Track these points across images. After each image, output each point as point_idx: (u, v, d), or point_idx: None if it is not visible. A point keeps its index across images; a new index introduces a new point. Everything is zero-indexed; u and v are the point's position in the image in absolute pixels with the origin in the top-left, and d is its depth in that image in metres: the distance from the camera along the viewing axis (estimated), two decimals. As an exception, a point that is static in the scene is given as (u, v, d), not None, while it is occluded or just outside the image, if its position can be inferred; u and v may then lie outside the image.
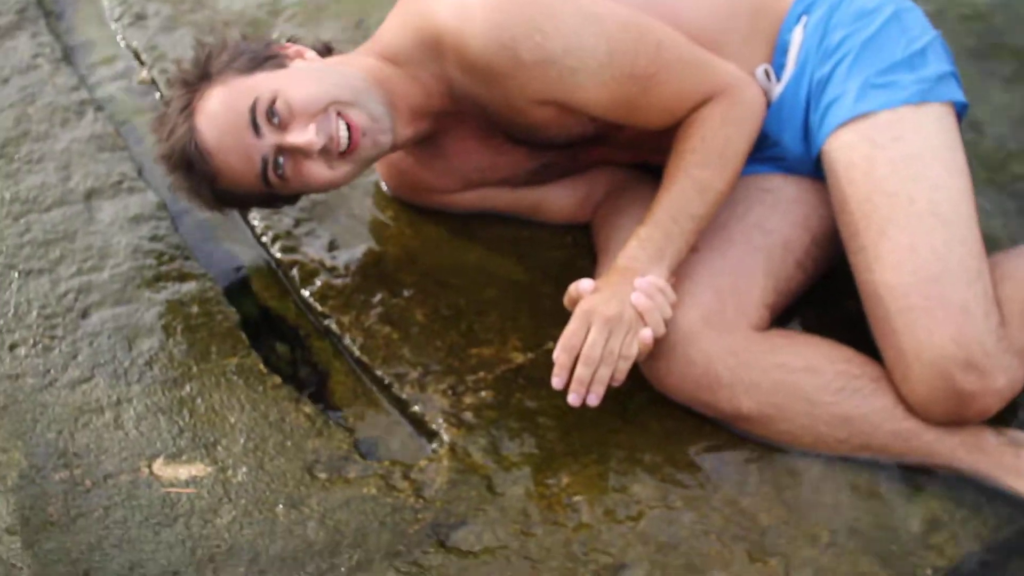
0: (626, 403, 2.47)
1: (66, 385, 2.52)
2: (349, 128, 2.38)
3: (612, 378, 2.28)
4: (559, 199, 2.84)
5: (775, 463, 2.39)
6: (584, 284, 2.33)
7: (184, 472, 2.38)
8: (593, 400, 2.28)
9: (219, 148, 2.38)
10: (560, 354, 2.27)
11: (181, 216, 2.92)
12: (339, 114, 2.37)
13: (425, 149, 2.71)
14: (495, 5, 2.36)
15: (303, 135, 2.35)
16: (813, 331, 2.54)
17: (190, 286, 2.74)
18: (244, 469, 2.38)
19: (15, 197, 2.91)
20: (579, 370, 2.26)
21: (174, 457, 2.40)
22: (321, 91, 2.37)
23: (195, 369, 2.55)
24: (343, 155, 2.41)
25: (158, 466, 2.39)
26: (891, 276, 2.34)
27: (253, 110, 2.34)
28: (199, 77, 2.41)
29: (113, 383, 2.51)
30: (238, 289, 2.81)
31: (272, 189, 2.44)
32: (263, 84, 2.36)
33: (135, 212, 2.90)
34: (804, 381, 2.37)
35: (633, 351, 2.29)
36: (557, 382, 2.28)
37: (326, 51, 2.58)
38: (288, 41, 2.55)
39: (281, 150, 2.37)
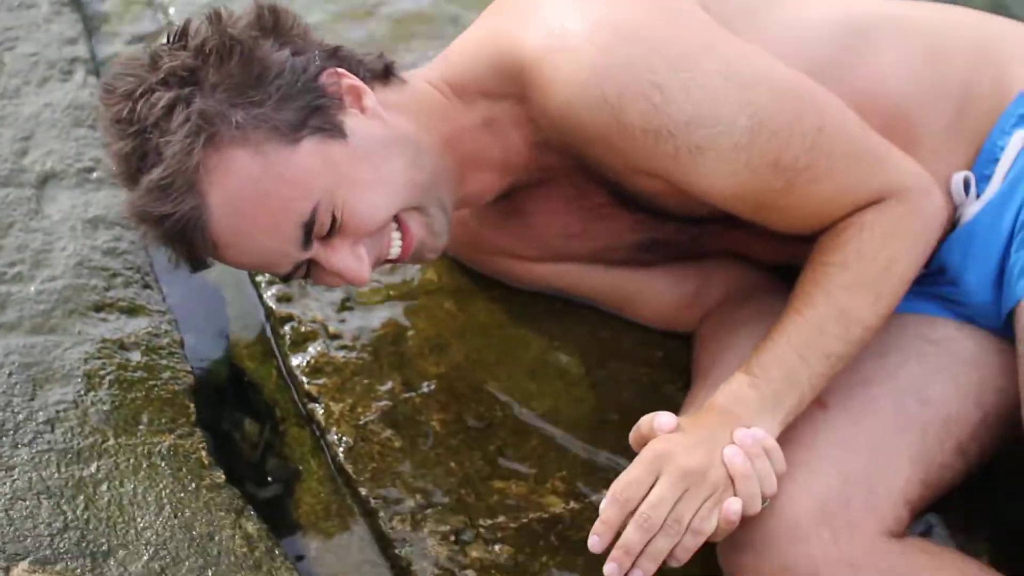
0: None
1: (-67, 431, 2.14)
2: (402, 235, 2.09)
3: (671, 555, 1.91)
4: (659, 293, 2.47)
5: None
6: (664, 419, 1.98)
7: (53, 588, 1.89)
8: None
9: (238, 245, 1.98)
10: (609, 506, 1.90)
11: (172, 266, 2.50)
12: (396, 218, 2.06)
13: (496, 204, 2.34)
14: (604, 42, 2.02)
15: (357, 268, 2.02)
16: (962, 546, 2.20)
17: (139, 323, 2.31)
18: None
19: (-51, 166, 2.53)
20: (628, 533, 1.88)
21: (45, 563, 1.92)
22: (387, 206, 2.02)
23: (111, 442, 2.09)
24: (380, 262, 2.13)
25: (20, 572, 1.89)
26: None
27: (309, 227, 1.95)
28: (209, 115, 1.89)
29: (-6, 441, 2.07)
30: (209, 339, 2.44)
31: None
32: (318, 178, 1.94)
33: (96, 213, 2.48)
34: None
35: (709, 526, 1.91)
36: (595, 542, 1.89)
37: (384, 73, 2.16)
38: (338, 60, 2.10)
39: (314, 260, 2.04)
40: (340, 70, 2.02)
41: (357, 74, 2.05)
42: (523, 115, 2.12)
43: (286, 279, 2.06)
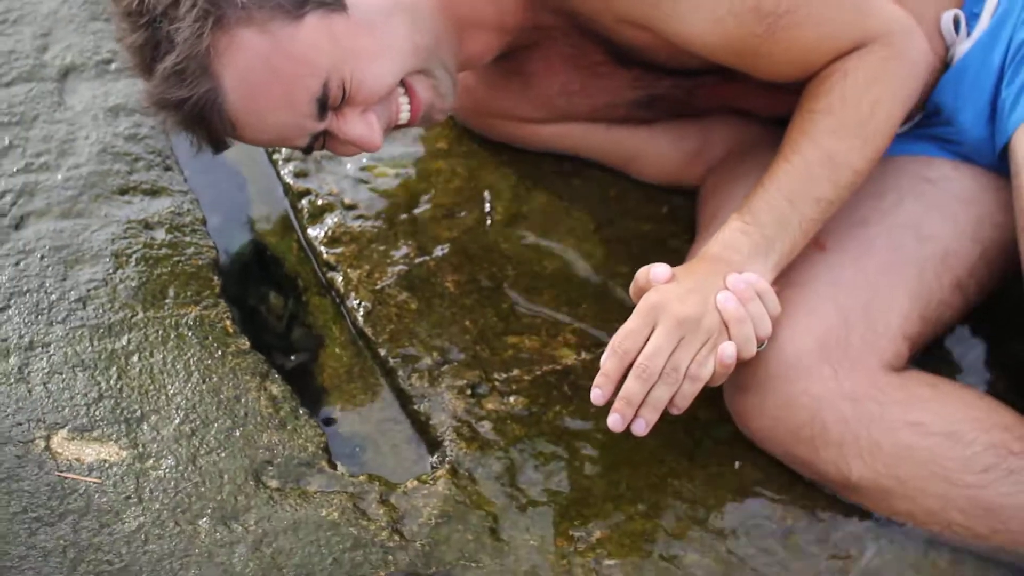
0: (700, 438, 2.15)
1: (-28, 314, 2.19)
2: (410, 99, 2.12)
3: (671, 402, 1.93)
4: (662, 150, 2.48)
5: (888, 547, 2.04)
6: (659, 270, 1.98)
7: (91, 453, 1.97)
8: (640, 428, 1.92)
9: (254, 123, 2.03)
10: (609, 358, 1.92)
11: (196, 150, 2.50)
12: (403, 82, 2.10)
13: (498, 66, 2.36)
14: None
15: (368, 135, 2.06)
16: (964, 379, 2.23)
17: (163, 204, 2.38)
18: (170, 461, 1.98)
19: (-26, 63, 2.57)
20: (629, 384, 1.91)
21: (83, 431, 2.00)
22: (392, 72, 2.06)
23: (140, 315, 2.17)
24: (392, 129, 2.17)
25: (59, 440, 1.98)
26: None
27: (323, 102, 2.00)
28: None
29: (30, 320, 2.14)
30: (232, 219, 2.48)
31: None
32: (324, 52, 1.98)
33: (116, 102, 2.54)
34: (942, 451, 2.00)
35: (706, 371, 1.93)
36: (597, 395, 1.92)
37: None
38: None
39: (328, 130, 2.08)
40: None
41: None
42: None
43: (307, 151, 2.10)
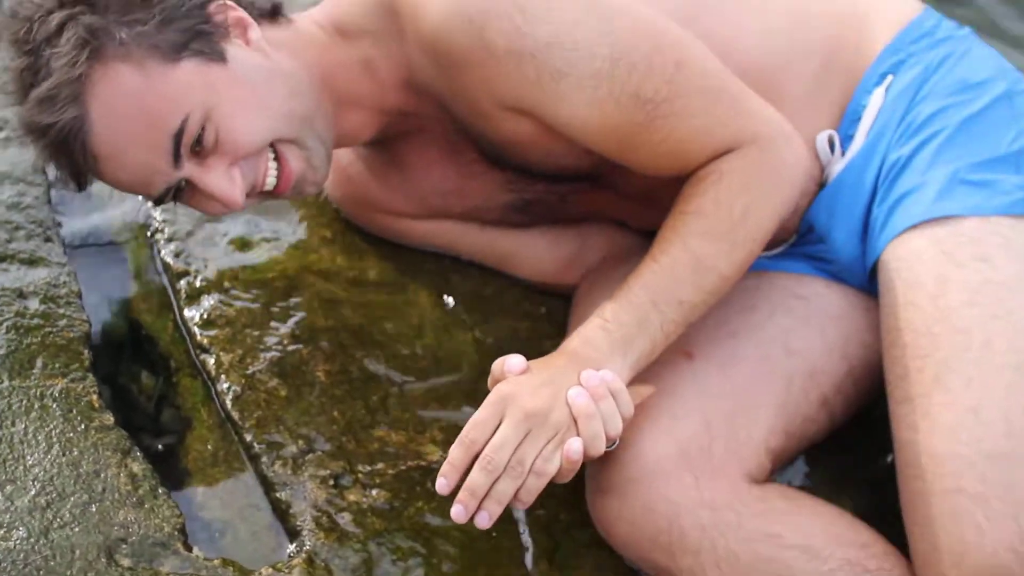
0: (560, 540, 2.15)
1: None
2: (280, 168, 2.10)
3: (516, 497, 1.88)
4: (538, 254, 2.51)
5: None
6: (513, 361, 1.95)
7: (-60, 520, 1.94)
8: (483, 520, 1.87)
9: (115, 158, 2.01)
10: (456, 448, 1.88)
11: (61, 186, 2.54)
12: (275, 149, 2.08)
13: (379, 155, 2.39)
14: None
15: (228, 190, 2.04)
16: (828, 497, 2.18)
17: (39, 274, 2.35)
18: (22, 532, 1.94)
19: None
20: (473, 475, 1.86)
21: None
22: (263, 128, 2.05)
23: (5, 384, 2.14)
24: (258, 194, 2.13)
25: None
26: (940, 443, 1.98)
27: (179, 138, 1.98)
28: (95, 29, 1.95)
29: None
30: (110, 296, 2.47)
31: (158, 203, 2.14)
32: (194, 94, 1.98)
33: (2, 169, 2.52)
34: (798, 564, 2.02)
35: (551, 467, 1.88)
36: (442, 484, 1.87)
37: (272, 12, 2.19)
38: None
39: (189, 180, 2.04)
40: (229, 3, 2.06)
41: (246, 9, 2.09)
42: (401, 56, 2.13)
43: (158, 201, 2.07)
